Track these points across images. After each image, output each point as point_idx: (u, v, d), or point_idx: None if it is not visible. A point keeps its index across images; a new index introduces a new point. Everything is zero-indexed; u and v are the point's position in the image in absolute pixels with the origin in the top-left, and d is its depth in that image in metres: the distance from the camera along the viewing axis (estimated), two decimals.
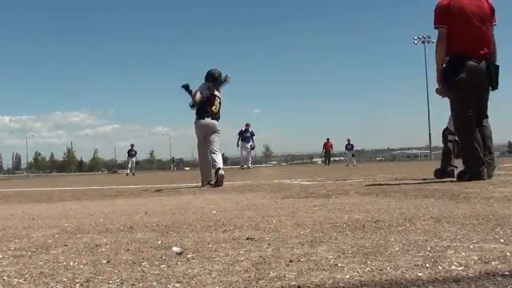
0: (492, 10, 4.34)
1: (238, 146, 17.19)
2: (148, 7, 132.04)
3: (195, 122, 6.06)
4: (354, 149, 29.16)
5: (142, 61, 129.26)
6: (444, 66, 4.40)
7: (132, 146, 23.01)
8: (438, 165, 5.30)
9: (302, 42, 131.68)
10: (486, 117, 4.43)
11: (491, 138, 4.46)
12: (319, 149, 33.67)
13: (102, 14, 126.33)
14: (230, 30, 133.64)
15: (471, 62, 4.22)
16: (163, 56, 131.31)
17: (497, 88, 4.35)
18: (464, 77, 4.19)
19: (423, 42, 47.45)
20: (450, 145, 5.17)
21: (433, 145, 49.02)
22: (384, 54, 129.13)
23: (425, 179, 5.00)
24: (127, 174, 20.94)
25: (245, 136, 17.15)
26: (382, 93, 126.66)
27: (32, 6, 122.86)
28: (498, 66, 4.33)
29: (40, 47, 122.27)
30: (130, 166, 22.20)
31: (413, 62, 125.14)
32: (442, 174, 4.98)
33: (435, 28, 4.40)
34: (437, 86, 4.63)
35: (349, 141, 28.53)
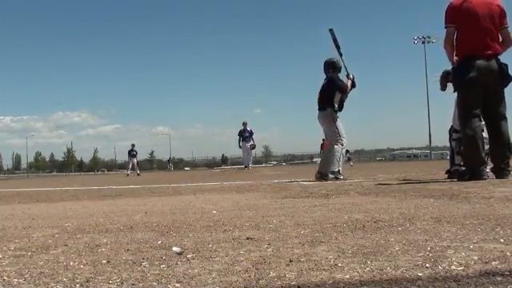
0: (503, 13, 4.34)
1: (240, 147, 17.03)
2: (149, 7, 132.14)
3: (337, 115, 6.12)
4: (350, 152, 29.52)
5: (143, 61, 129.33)
6: (454, 66, 4.42)
7: (133, 146, 22.88)
8: (438, 165, 5.30)
9: (302, 42, 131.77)
10: (504, 118, 4.33)
11: (505, 146, 4.31)
12: (319, 149, 33.72)
13: (104, 14, 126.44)
14: (231, 31, 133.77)
15: (481, 62, 4.23)
16: (164, 56, 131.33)
17: (508, 84, 4.31)
18: (474, 76, 4.19)
19: (423, 42, 47.57)
20: (453, 143, 5.09)
21: (433, 145, 49.01)
22: (384, 54, 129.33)
23: (425, 179, 5.01)
24: (127, 175, 20.94)
25: (244, 136, 17.05)
26: (382, 93, 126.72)
27: (32, 6, 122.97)
28: (506, 65, 4.32)
29: (41, 47, 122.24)
30: (130, 166, 22.15)
31: (413, 62, 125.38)
32: (452, 174, 4.81)
33: (445, 28, 4.41)
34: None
35: None
